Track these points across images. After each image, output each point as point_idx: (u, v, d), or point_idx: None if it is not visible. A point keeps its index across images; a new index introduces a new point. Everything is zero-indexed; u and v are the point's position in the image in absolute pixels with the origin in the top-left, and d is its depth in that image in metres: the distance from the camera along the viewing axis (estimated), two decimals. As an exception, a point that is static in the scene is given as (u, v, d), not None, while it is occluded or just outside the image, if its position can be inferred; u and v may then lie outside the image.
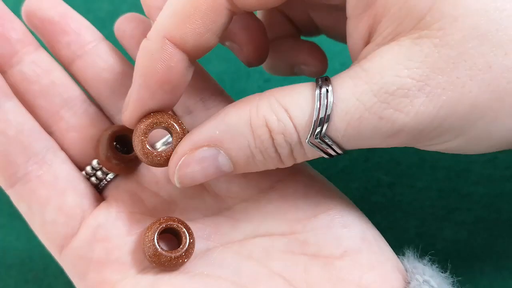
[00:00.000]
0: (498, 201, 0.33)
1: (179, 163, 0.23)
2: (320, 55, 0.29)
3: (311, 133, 0.22)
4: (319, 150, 0.22)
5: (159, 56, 0.23)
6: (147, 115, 0.24)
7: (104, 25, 0.29)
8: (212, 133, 0.23)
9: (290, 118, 0.22)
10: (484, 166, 0.33)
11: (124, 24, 0.28)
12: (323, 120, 0.21)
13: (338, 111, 0.21)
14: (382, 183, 0.33)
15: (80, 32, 0.27)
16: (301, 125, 0.22)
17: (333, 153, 0.22)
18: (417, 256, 0.25)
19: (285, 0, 0.23)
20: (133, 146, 0.24)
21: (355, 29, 0.23)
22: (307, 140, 0.22)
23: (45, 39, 0.27)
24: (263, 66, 0.30)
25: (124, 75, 0.28)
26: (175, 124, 0.24)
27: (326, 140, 0.22)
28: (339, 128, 0.21)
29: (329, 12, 0.28)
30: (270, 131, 0.22)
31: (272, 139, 0.22)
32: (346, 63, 0.35)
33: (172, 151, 0.24)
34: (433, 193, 0.33)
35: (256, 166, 0.23)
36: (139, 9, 0.29)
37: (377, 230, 0.26)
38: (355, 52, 0.23)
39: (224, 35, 0.26)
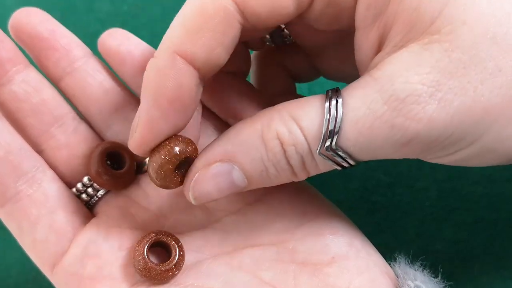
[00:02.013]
0: (498, 201, 0.32)
1: (194, 179, 0.23)
2: None
3: (322, 144, 0.21)
4: (330, 161, 0.22)
5: (169, 72, 0.22)
6: (169, 142, 0.23)
7: (104, 25, 0.29)
8: (225, 148, 0.23)
9: (301, 129, 0.22)
10: (483, 166, 0.33)
11: (108, 40, 0.27)
12: (333, 130, 0.21)
13: (348, 120, 0.21)
14: (382, 183, 0.33)
15: (70, 49, 0.27)
16: (311, 135, 0.22)
17: (345, 164, 0.22)
18: (408, 262, 0.25)
19: (295, 16, 0.23)
20: (150, 168, 0.23)
21: (365, 40, 0.23)
22: (317, 151, 0.22)
23: (33, 54, 0.27)
24: None
25: (113, 92, 0.28)
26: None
27: (337, 151, 0.22)
28: (350, 137, 0.21)
29: (328, 51, 0.28)
30: (281, 143, 0.22)
31: (284, 151, 0.22)
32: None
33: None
34: (432, 193, 0.33)
35: (269, 180, 0.23)
36: (139, 9, 0.29)
37: (364, 236, 0.26)
38: (364, 64, 0.23)
39: (228, 113, 0.26)
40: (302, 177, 0.23)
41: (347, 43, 0.25)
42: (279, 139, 0.22)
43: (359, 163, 0.22)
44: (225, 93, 0.27)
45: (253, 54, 0.29)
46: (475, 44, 0.20)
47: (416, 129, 0.20)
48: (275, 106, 0.23)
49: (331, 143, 0.21)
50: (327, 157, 0.22)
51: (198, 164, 0.23)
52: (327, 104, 0.21)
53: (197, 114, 0.25)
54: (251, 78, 0.30)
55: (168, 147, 0.23)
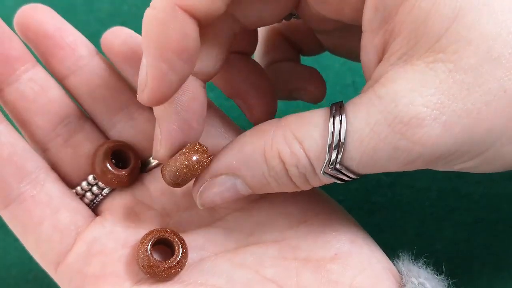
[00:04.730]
0: (498, 201, 0.33)
1: (200, 189, 0.24)
2: (319, 81, 0.29)
3: (326, 164, 0.22)
4: (334, 178, 0.22)
5: (173, 24, 0.21)
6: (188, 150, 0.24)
7: (104, 25, 0.29)
8: (229, 162, 0.23)
9: (304, 150, 0.22)
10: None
11: (111, 39, 0.27)
12: (337, 151, 0.21)
13: (352, 140, 0.21)
14: (382, 183, 0.33)
15: (75, 47, 0.27)
16: (315, 156, 0.22)
17: (347, 179, 0.22)
18: (412, 259, 0.25)
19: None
20: (167, 171, 0.24)
21: (370, 44, 0.22)
22: (321, 171, 0.22)
23: (38, 52, 0.27)
24: None
25: (118, 90, 0.28)
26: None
27: (341, 169, 0.22)
28: (353, 157, 0.21)
29: (337, 33, 0.28)
30: (283, 163, 0.22)
31: (286, 170, 0.22)
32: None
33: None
34: (432, 193, 0.33)
35: (272, 189, 0.24)
36: (139, 9, 0.29)
37: (367, 233, 0.26)
38: (369, 68, 0.23)
39: (234, 93, 0.27)
40: (304, 189, 0.24)
41: (354, 30, 0.24)
42: (280, 158, 0.22)
43: (360, 176, 0.23)
44: (231, 73, 0.27)
45: None
46: (480, 66, 0.20)
47: (420, 152, 0.21)
48: (280, 121, 0.23)
49: (335, 163, 0.21)
50: (330, 175, 0.22)
51: (206, 176, 0.24)
52: (330, 122, 0.21)
53: (202, 111, 0.25)
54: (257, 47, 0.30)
55: (186, 155, 0.24)
